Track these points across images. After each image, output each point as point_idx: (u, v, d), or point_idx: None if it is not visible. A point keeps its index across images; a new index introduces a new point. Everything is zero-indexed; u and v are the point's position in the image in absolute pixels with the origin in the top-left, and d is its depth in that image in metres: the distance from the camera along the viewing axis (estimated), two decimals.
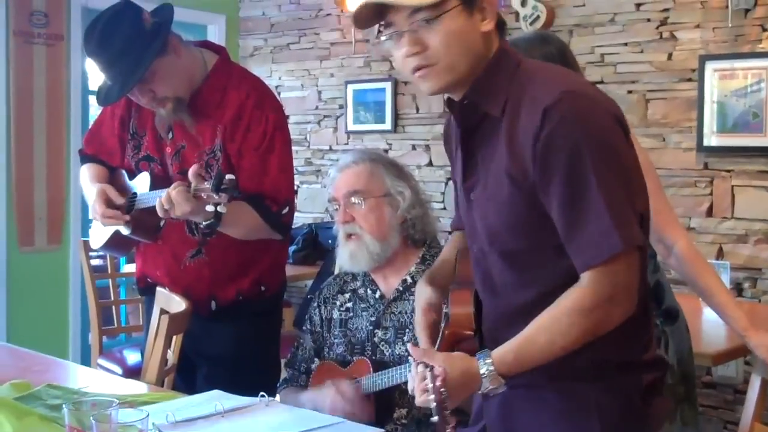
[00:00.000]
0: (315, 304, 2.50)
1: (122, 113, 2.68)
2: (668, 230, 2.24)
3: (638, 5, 4.24)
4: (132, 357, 3.85)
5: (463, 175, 1.66)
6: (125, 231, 2.59)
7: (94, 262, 4.21)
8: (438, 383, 1.47)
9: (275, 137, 2.52)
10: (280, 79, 5.73)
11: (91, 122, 3.92)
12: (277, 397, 2.41)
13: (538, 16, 4.43)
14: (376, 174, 2.35)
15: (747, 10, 3.90)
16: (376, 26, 1.59)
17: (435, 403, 1.46)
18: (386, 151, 5.14)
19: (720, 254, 3.97)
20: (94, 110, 4.98)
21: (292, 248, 4.83)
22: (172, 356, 2.44)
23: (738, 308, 2.26)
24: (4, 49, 4.81)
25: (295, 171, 2.72)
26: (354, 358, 2.34)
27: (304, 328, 2.52)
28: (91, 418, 1.51)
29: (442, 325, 1.71)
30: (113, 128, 2.71)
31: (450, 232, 2.00)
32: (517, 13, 4.50)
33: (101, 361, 3.89)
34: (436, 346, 1.67)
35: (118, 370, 3.73)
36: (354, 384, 2.24)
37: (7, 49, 4.82)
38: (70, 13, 5.06)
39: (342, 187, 2.36)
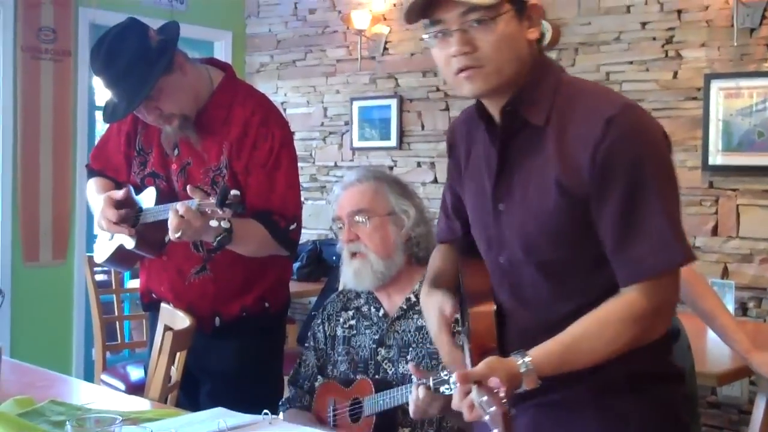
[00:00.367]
0: (319, 321, 2.49)
1: (129, 130, 2.69)
2: None
3: (644, 24, 4.25)
4: (135, 373, 3.83)
5: (493, 184, 1.62)
6: (130, 245, 2.60)
7: (99, 277, 4.20)
8: (501, 394, 1.38)
9: (282, 154, 2.53)
10: (285, 95, 5.75)
11: (97, 138, 3.94)
12: (281, 415, 2.40)
13: (543, 34, 4.44)
14: (380, 192, 2.35)
15: (752, 30, 3.91)
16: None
17: (500, 415, 1.35)
18: (391, 168, 5.15)
19: (725, 273, 3.96)
20: (101, 126, 5.01)
21: (296, 265, 4.82)
22: (175, 373, 2.44)
23: (740, 330, 2.26)
24: (11, 64, 4.84)
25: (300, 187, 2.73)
26: (357, 377, 2.34)
27: (307, 344, 2.51)
28: None
29: (465, 340, 1.67)
30: (119, 145, 2.72)
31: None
32: None
33: (104, 377, 3.87)
34: (467, 361, 1.60)
35: (122, 386, 3.72)
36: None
37: (15, 64, 4.85)
38: (78, 29, 5.10)
39: (346, 206, 2.36)
